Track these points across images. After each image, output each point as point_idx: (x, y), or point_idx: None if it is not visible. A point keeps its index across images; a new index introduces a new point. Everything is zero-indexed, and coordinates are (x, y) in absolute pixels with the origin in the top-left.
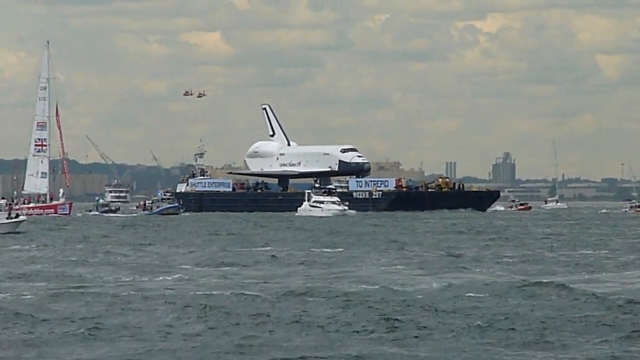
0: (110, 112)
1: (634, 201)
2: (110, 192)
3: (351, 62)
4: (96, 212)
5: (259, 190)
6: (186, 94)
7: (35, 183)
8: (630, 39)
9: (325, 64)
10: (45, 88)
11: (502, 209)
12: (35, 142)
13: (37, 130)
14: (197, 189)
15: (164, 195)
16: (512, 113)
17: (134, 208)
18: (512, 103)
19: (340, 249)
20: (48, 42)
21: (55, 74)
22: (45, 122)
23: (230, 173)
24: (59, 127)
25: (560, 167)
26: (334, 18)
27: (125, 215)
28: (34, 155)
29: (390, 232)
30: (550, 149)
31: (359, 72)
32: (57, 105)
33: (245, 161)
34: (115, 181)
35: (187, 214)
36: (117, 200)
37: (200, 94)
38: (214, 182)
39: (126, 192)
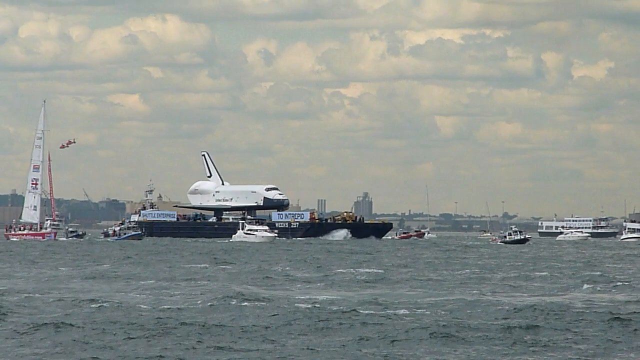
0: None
1: (501, 232)
2: (47, 219)
3: (242, 120)
4: (64, 238)
5: (198, 220)
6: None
7: (30, 214)
8: (461, 104)
9: (222, 121)
10: (40, 138)
11: (391, 237)
12: (32, 181)
13: (32, 171)
14: (147, 218)
15: (129, 224)
16: (369, 161)
17: (100, 234)
18: (369, 154)
19: None
20: (44, 101)
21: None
22: (39, 166)
23: (176, 206)
24: (50, 170)
25: (407, 204)
26: (229, 85)
27: (99, 240)
28: (29, 192)
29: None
30: (399, 190)
31: (248, 128)
32: (49, 152)
33: (187, 197)
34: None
35: (148, 238)
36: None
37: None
38: (161, 214)
39: (59, 220)
